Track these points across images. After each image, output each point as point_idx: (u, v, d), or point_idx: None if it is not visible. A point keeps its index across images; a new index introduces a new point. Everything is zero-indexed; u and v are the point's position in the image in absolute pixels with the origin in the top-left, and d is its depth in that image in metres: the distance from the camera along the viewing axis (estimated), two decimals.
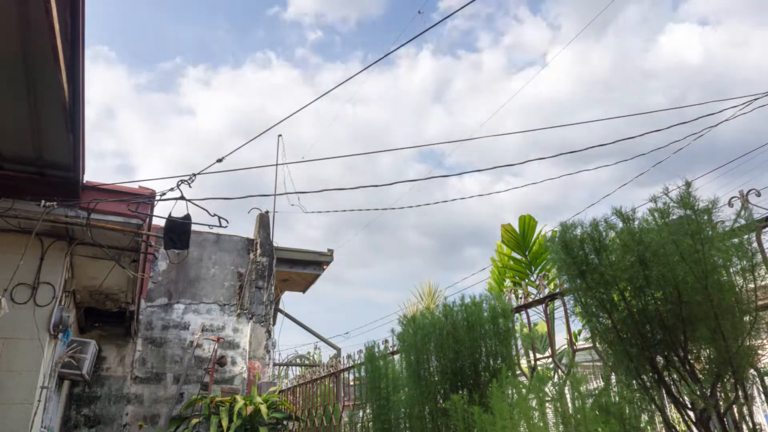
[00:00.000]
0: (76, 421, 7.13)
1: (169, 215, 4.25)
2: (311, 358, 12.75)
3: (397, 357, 3.92)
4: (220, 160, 4.42)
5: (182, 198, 4.21)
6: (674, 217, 2.01)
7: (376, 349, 4.08)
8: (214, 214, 4.29)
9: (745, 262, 1.87)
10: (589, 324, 2.27)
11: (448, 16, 3.93)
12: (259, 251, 8.85)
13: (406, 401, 3.47)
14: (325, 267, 9.67)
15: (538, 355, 3.16)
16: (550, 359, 3.12)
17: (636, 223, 2.13)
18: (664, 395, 2.07)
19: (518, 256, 8.55)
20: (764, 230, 1.97)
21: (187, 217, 4.25)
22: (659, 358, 2.05)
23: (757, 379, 1.92)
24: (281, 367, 11.38)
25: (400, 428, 3.51)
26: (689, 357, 1.98)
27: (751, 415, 1.91)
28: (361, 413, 4.30)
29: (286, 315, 10.18)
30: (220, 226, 4.33)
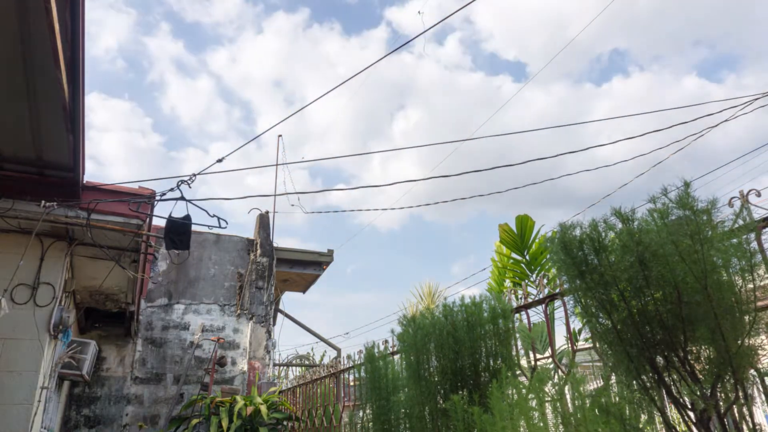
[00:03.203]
0: (76, 422, 7.12)
1: (170, 216, 4.25)
2: (311, 358, 12.74)
3: (397, 357, 3.92)
4: (220, 161, 4.42)
5: (182, 198, 4.22)
6: (673, 217, 2.01)
7: (376, 350, 4.08)
8: (213, 215, 4.31)
9: (744, 263, 1.87)
10: (589, 324, 2.27)
11: (448, 17, 3.93)
12: (259, 251, 8.85)
13: (406, 401, 3.47)
14: (325, 267, 9.66)
15: (539, 356, 3.16)
16: (550, 359, 3.12)
17: (635, 223, 2.13)
18: (665, 395, 2.07)
19: (517, 257, 8.55)
20: (764, 230, 1.97)
21: (187, 217, 4.25)
22: (659, 359, 2.05)
23: (757, 379, 1.92)
24: (281, 368, 11.37)
25: (400, 429, 3.51)
26: (689, 357, 1.98)
27: (751, 415, 1.91)
28: (361, 413, 4.30)
29: (286, 315, 10.18)
30: (219, 226, 4.34)
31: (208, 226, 4.43)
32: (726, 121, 5.55)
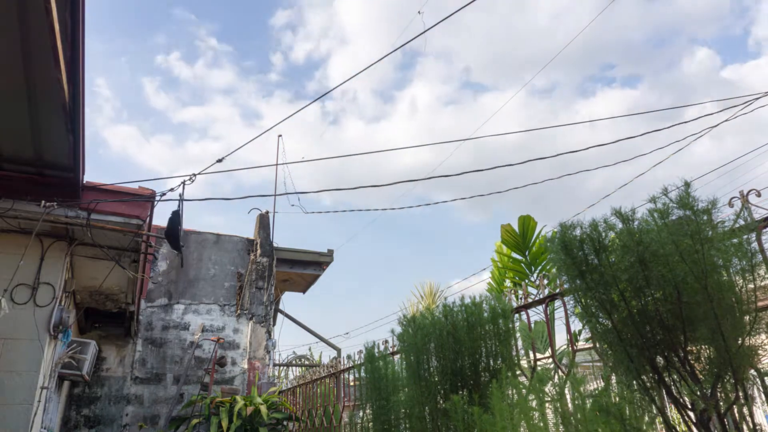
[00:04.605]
0: (76, 422, 7.12)
1: (171, 215, 4.26)
2: (310, 358, 12.74)
3: (397, 357, 3.92)
4: (220, 161, 4.42)
5: (181, 198, 4.22)
6: (674, 217, 2.01)
7: (376, 350, 4.08)
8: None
9: (744, 263, 1.87)
10: (589, 324, 2.27)
11: (447, 17, 3.93)
12: (259, 251, 8.85)
13: (406, 401, 3.47)
14: (325, 267, 9.66)
15: (539, 356, 3.16)
16: (551, 359, 3.12)
17: (635, 223, 2.13)
18: (665, 396, 2.07)
19: (518, 257, 8.55)
20: (764, 230, 1.97)
21: (176, 215, 4.27)
22: (659, 359, 2.05)
23: (757, 379, 1.92)
24: (281, 368, 11.38)
25: (400, 428, 3.51)
26: (689, 357, 1.98)
27: (751, 415, 1.91)
28: (361, 413, 4.30)
29: (286, 315, 10.18)
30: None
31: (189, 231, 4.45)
32: (726, 120, 5.55)
